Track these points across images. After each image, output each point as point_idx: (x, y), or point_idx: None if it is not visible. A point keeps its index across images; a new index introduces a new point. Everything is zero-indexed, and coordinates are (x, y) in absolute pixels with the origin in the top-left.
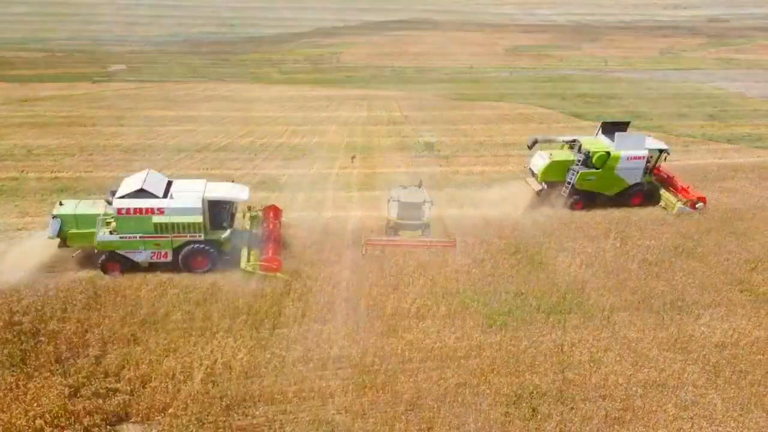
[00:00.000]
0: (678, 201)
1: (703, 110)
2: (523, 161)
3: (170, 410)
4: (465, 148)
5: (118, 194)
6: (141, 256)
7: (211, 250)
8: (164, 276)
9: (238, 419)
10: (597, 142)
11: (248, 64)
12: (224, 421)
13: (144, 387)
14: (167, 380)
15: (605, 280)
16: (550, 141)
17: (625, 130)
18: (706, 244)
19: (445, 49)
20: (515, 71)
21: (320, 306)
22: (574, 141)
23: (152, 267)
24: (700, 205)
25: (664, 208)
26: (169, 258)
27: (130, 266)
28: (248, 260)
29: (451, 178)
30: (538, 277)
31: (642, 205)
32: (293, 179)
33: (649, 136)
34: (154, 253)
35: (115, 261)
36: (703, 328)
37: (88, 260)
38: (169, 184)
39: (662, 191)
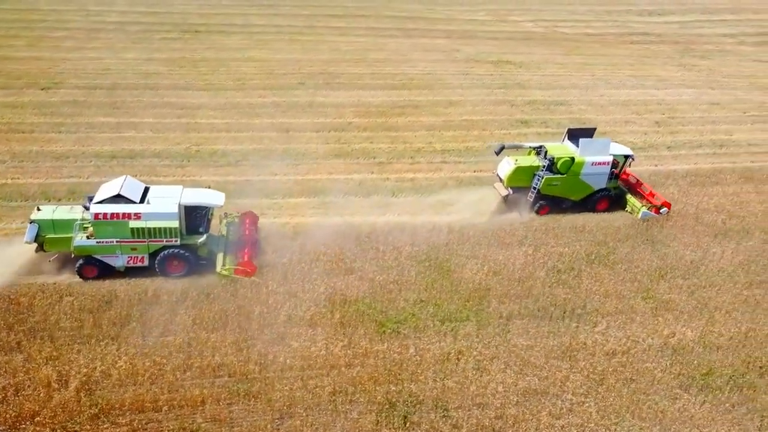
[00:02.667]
0: (643, 206)
1: (650, 117)
2: (457, 168)
3: (37, 418)
4: (401, 155)
5: (95, 199)
6: (118, 261)
7: (187, 255)
8: (63, 284)
9: (104, 427)
10: (562, 148)
11: (203, 70)
12: (89, 430)
13: (17, 395)
14: (41, 388)
15: (509, 288)
16: (517, 147)
17: (591, 136)
18: (620, 251)
19: (407, 56)
20: (470, 77)
21: (213, 314)
22: (540, 147)
23: (130, 271)
24: (664, 210)
25: (630, 212)
26: (146, 263)
27: (107, 271)
28: (224, 264)
29: (380, 185)
30: (443, 285)
31: (609, 210)
32: (222, 185)
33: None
34: (131, 257)
35: (92, 266)
36: (597, 336)
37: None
38: (146, 189)
39: (628, 196)
